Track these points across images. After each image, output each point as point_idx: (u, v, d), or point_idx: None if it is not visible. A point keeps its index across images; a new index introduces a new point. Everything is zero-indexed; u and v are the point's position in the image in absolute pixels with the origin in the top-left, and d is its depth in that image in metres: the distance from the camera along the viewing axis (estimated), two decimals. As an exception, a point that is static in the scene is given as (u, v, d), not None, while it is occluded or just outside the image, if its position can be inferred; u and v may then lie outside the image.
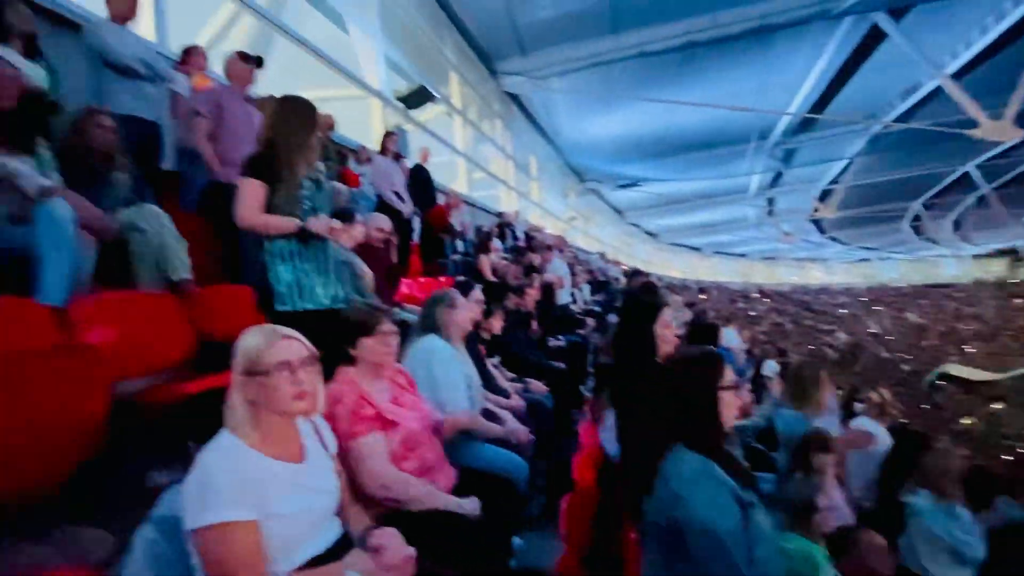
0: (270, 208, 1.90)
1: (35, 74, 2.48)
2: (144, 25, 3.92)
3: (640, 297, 2.35)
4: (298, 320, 1.85)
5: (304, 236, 1.93)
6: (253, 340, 1.13)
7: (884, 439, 3.36)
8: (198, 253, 2.39)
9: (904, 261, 40.70)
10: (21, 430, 1.31)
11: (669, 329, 1.98)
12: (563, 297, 6.62)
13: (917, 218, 28.55)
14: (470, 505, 1.57)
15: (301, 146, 1.94)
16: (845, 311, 33.18)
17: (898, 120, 15.08)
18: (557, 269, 6.64)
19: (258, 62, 3.14)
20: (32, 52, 2.57)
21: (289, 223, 1.89)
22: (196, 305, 2.18)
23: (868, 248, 37.88)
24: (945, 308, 31.24)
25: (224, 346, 1.20)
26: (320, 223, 1.93)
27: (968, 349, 25.72)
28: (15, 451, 1.30)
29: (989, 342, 26.09)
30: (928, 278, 36.70)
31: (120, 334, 1.84)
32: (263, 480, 1.05)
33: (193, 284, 2.24)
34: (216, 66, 3.72)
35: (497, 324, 3.29)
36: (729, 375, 1.46)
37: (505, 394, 2.59)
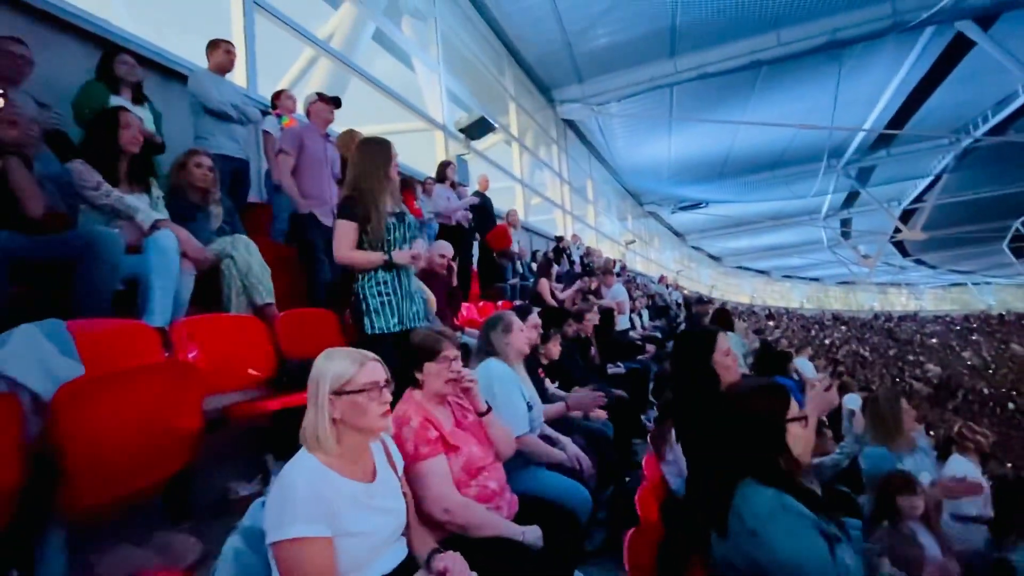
0: (361, 243, 2.13)
1: (145, 118, 2.83)
2: (237, 71, 4.37)
3: (695, 329, 2.29)
4: (379, 342, 1.99)
5: (389, 266, 2.16)
6: (343, 363, 1.20)
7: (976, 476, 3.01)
8: (283, 279, 2.58)
9: (1004, 286, 36.73)
10: (128, 440, 1.45)
11: (729, 357, 1.90)
12: (622, 323, 6.51)
13: (1018, 238, 25.78)
14: (532, 534, 1.55)
15: (382, 185, 2.16)
16: (936, 340, 30.27)
17: (992, 133, 13.86)
18: (617, 294, 6.54)
19: (336, 102, 3.40)
20: (140, 98, 2.93)
21: (377, 257, 2.13)
22: (278, 327, 2.34)
23: (960, 272, 34.59)
24: (1058, 339, 27.76)
25: (302, 366, 1.29)
26: (403, 254, 2.17)
27: (1089, 386, 22.64)
28: (122, 460, 1.44)
29: (1115, 379, 22.84)
30: (1033, 305, 32.86)
31: (210, 353, 2.01)
32: (338, 499, 1.10)
33: (275, 308, 2.42)
34: (300, 107, 4.06)
35: (555, 349, 3.28)
36: (795, 407, 1.40)
37: (552, 442, 2.56)
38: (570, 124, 13.50)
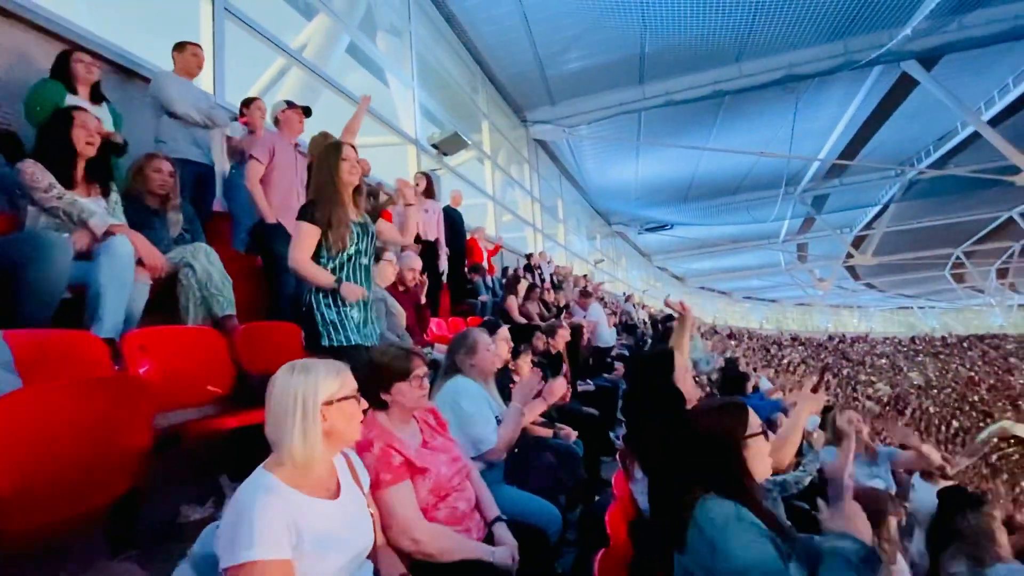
0: (320, 250, 2.02)
1: (104, 118, 2.70)
2: (204, 77, 4.25)
3: (653, 350, 2.33)
4: (344, 354, 1.91)
5: (334, 293, 2.05)
6: (329, 372, 1.16)
7: (930, 500, 3.13)
8: (244, 290, 2.48)
9: (946, 310, 39.00)
10: (70, 459, 1.34)
11: (688, 375, 1.94)
12: (608, 340, 6.66)
13: (959, 266, 27.55)
14: (502, 554, 1.51)
15: (338, 191, 2.06)
16: (885, 361, 31.74)
17: (934, 166, 14.86)
18: (594, 314, 6.71)
19: (306, 111, 3.34)
20: (98, 98, 2.80)
21: (326, 279, 2.02)
22: (238, 340, 2.24)
23: (907, 296, 36.56)
24: (994, 360, 29.57)
25: (263, 382, 1.23)
26: (353, 290, 2.05)
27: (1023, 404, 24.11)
28: (59, 481, 1.33)
29: (1047, 398, 24.40)
30: (972, 328, 34.93)
31: (163, 367, 1.90)
32: (299, 517, 1.04)
33: (235, 320, 2.32)
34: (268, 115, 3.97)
35: (526, 365, 3.26)
36: (755, 422, 1.44)
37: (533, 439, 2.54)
38: (542, 144, 13.72)
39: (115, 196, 2.17)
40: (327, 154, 2.08)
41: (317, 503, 1.10)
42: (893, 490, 3.11)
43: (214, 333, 2.21)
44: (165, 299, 2.24)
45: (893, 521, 2.20)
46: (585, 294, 7.10)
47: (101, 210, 2.01)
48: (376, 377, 1.62)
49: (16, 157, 2.02)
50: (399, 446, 1.56)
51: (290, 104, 3.31)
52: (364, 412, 1.23)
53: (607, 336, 6.87)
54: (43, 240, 1.68)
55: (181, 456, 1.95)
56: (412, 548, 1.44)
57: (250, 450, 1.14)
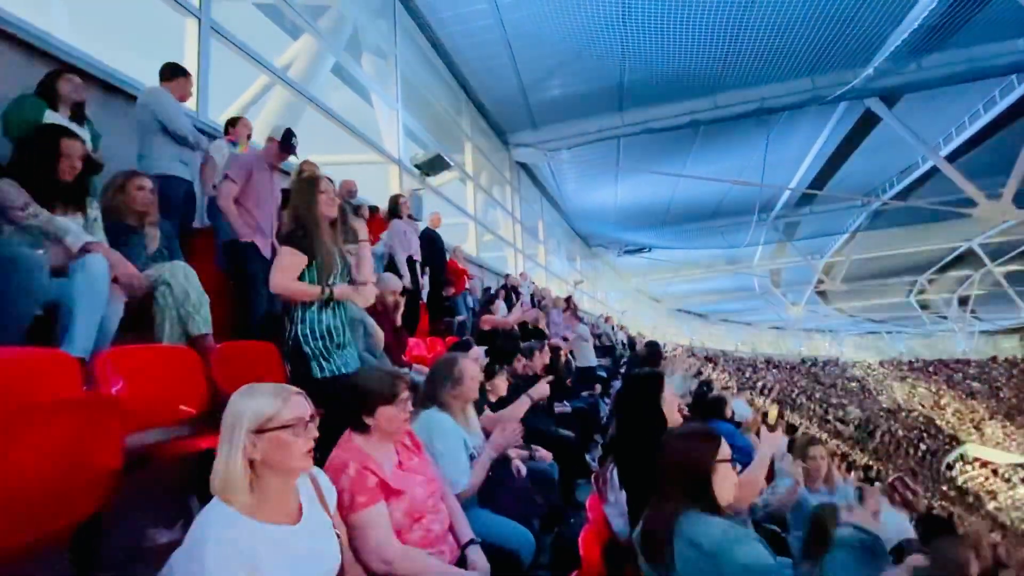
0: (303, 279, 2.06)
1: (84, 139, 2.68)
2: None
3: (643, 371, 2.38)
4: (330, 385, 1.92)
5: (328, 301, 2.09)
6: (264, 398, 1.13)
7: (905, 529, 3.21)
8: (223, 309, 2.47)
9: (912, 336, 40.29)
10: (37, 481, 1.32)
11: (673, 399, 2.00)
12: (590, 360, 6.76)
13: (923, 292, 28.62)
14: (474, 579, 1.53)
15: (318, 223, 2.11)
16: (855, 384, 32.51)
17: (897, 197, 15.53)
18: (581, 333, 6.86)
19: (291, 151, 3.29)
20: (80, 118, 2.80)
21: (314, 291, 2.05)
22: (214, 360, 2.22)
23: (875, 321, 37.69)
24: (959, 385, 30.58)
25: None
26: (344, 289, 2.11)
27: (987, 429, 24.91)
28: (29, 502, 1.31)
29: (1009, 421, 25.25)
30: (936, 353, 36.15)
31: (136, 387, 1.88)
32: (254, 546, 1.03)
33: (211, 339, 2.30)
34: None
35: (502, 386, 3.27)
36: (725, 450, 1.52)
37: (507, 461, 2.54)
38: (523, 167, 13.94)
39: (94, 213, 2.16)
40: (304, 188, 2.13)
41: (275, 529, 1.09)
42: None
43: (189, 352, 2.19)
44: (140, 317, 2.22)
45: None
46: (576, 315, 7.25)
47: (77, 227, 2.00)
48: (360, 400, 1.62)
49: None
50: (375, 467, 1.57)
51: (284, 139, 3.22)
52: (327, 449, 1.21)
53: (592, 356, 6.97)
54: (14, 257, 1.67)
55: (150, 478, 1.91)
56: (384, 570, 1.45)
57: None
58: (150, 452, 1.78)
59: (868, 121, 12.48)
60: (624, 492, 2.03)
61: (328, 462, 1.55)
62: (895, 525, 3.51)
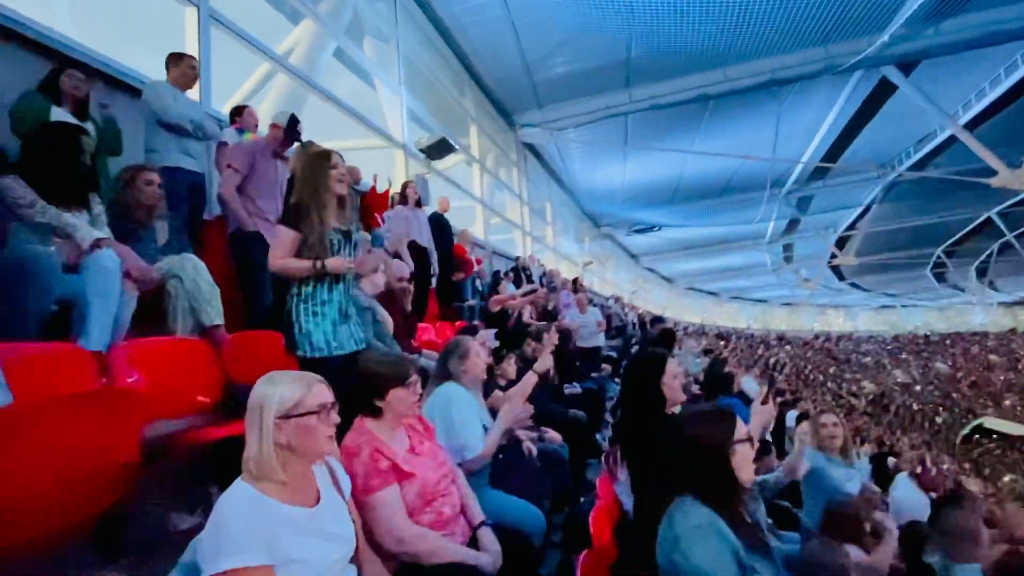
0: (298, 255, 2.01)
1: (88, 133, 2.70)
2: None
3: (645, 352, 2.38)
4: (323, 365, 1.92)
5: (321, 275, 2.02)
6: (289, 386, 1.17)
7: (911, 498, 3.21)
8: (234, 299, 2.49)
9: (928, 309, 39.72)
10: (60, 473, 1.37)
11: (677, 380, 2.00)
12: (599, 341, 6.80)
13: (940, 265, 28.08)
14: (486, 559, 1.56)
15: (323, 198, 2.04)
16: (869, 359, 32.24)
17: (913, 168, 15.16)
18: (595, 315, 6.89)
19: (296, 139, 3.27)
20: (83, 113, 2.80)
21: (305, 264, 1.98)
22: (226, 350, 2.26)
23: (890, 295, 37.18)
24: (976, 357, 30.20)
25: (250, 391, 1.26)
26: (338, 262, 2.02)
27: (1004, 402, 24.65)
28: (48, 495, 1.36)
29: (1024, 394, 24.94)
30: (954, 326, 35.66)
31: (152, 379, 1.92)
32: (277, 526, 1.08)
33: (223, 330, 2.34)
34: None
35: (511, 369, 3.29)
36: (742, 428, 1.47)
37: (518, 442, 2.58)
38: (530, 147, 13.80)
39: (98, 208, 2.18)
40: (314, 162, 2.08)
41: (295, 511, 1.13)
42: (870, 492, 3.18)
43: (202, 343, 2.23)
44: (153, 310, 2.26)
45: (868, 526, 2.26)
46: (586, 301, 7.29)
47: (85, 224, 2.02)
48: (372, 383, 1.65)
49: (1, 171, 2.04)
50: (387, 451, 1.60)
51: (289, 125, 3.21)
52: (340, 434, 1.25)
53: (598, 337, 6.99)
54: (28, 256, 1.70)
55: (170, 466, 1.97)
56: (398, 549, 1.49)
57: (238, 460, 1.17)
58: (168, 442, 1.82)
59: (883, 90, 12.11)
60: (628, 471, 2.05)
61: (342, 447, 1.59)
62: (910, 503, 3.52)
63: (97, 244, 1.95)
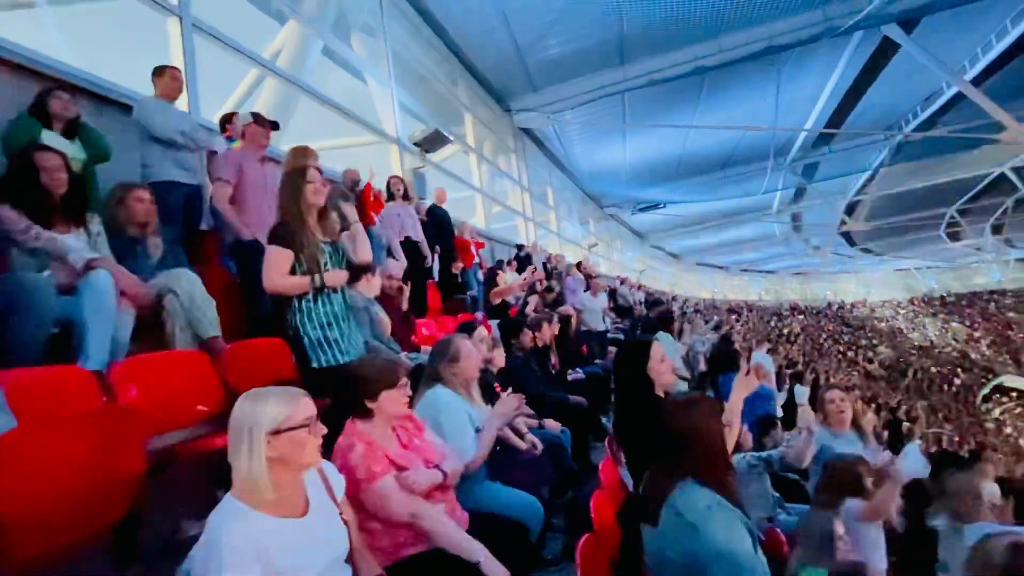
0: (293, 271, 2.10)
1: (75, 152, 2.73)
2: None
3: (630, 338, 2.40)
4: (328, 375, 1.98)
5: (320, 289, 2.11)
6: (276, 402, 1.20)
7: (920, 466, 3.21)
8: (232, 309, 2.54)
9: (944, 269, 39.03)
10: (66, 491, 1.43)
11: (664, 363, 2.02)
12: (599, 323, 6.82)
13: (953, 224, 27.51)
14: (492, 568, 1.55)
15: (302, 213, 2.13)
16: (884, 324, 31.88)
17: (921, 128, 14.80)
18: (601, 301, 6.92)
19: (273, 125, 3.35)
20: (72, 133, 2.83)
21: (303, 282, 2.09)
22: (226, 360, 2.31)
23: (904, 258, 36.57)
24: (994, 316, 29.74)
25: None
26: (335, 276, 2.13)
27: None
28: (60, 510, 1.42)
29: (1048, 350, 24.55)
30: (970, 286, 35.05)
31: (153, 393, 1.98)
32: (269, 540, 1.12)
33: (221, 340, 2.39)
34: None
35: (500, 358, 3.25)
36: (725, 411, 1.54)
37: (518, 434, 2.60)
38: (528, 132, 13.67)
39: (96, 227, 2.23)
40: (291, 179, 2.15)
41: (285, 523, 1.17)
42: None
43: (200, 355, 2.28)
44: (152, 325, 2.31)
45: (869, 481, 2.27)
46: (596, 287, 7.32)
47: (80, 244, 2.07)
48: (363, 386, 1.69)
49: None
50: (380, 449, 1.65)
51: (256, 118, 3.31)
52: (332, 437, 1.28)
53: (602, 320, 7.02)
54: (25, 285, 1.75)
55: (178, 475, 2.04)
56: (413, 520, 1.53)
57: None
58: (174, 453, 1.89)
59: (885, 50, 11.76)
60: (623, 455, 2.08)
61: (335, 449, 1.63)
62: (916, 474, 3.51)
63: (90, 265, 2.00)
